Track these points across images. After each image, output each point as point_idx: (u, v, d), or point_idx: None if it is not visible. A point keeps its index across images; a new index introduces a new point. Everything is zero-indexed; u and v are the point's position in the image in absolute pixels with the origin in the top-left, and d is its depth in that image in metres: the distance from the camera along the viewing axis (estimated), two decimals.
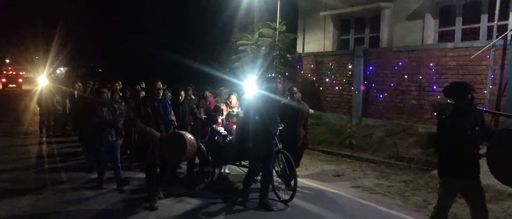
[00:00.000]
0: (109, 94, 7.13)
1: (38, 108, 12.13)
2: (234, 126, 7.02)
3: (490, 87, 8.43)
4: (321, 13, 13.25)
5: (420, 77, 9.82)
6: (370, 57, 11.08)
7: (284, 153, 5.92)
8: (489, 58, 8.44)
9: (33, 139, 11.00)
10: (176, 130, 5.63)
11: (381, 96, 10.75)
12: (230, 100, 7.64)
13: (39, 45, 35.19)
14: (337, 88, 12.04)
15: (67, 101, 11.28)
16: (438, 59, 9.46)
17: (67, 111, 11.25)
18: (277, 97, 5.89)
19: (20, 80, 37.78)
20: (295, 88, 6.79)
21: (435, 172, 7.39)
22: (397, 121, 10.14)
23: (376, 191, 6.52)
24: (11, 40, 42.31)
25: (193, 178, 6.84)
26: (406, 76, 10.13)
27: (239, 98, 7.77)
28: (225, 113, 7.16)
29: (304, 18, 14.26)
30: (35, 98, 13.00)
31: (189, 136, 5.40)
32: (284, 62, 13.30)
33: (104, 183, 6.40)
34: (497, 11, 8.67)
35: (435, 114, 9.19)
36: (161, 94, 5.61)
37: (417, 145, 8.85)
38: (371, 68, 11.02)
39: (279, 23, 13.07)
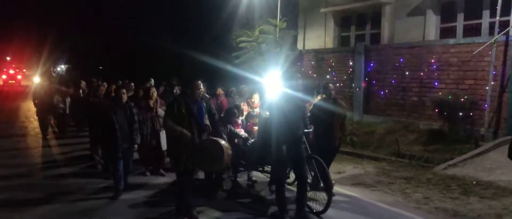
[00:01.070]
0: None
1: (35, 109, 11.26)
2: (256, 128, 6.44)
3: (492, 83, 8.38)
4: (321, 10, 13.19)
5: (421, 73, 9.77)
6: (371, 54, 11.04)
7: (316, 158, 5.26)
8: (490, 54, 8.39)
9: (35, 141, 10.27)
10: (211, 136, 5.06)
11: (382, 93, 10.71)
12: (252, 99, 7.10)
13: (39, 43, 35.21)
14: (338, 85, 11.99)
15: (67, 100, 10.95)
16: (439, 55, 9.41)
17: (67, 110, 10.91)
18: (303, 95, 5.27)
19: (19, 77, 40.00)
20: (330, 85, 6.11)
21: (436, 168, 7.40)
22: (398, 118, 10.10)
23: (377, 188, 6.50)
24: (12, 38, 42.59)
25: (212, 186, 6.14)
26: (407, 73, 10.09)
27: (260, 97, 7.26)
28: (245, 113, 6.67)
29: (305, 14, 14.21)
30: (31, 97, 12.06)
31: (226, 144, 4.91)
32: (285, 59, 13.24)
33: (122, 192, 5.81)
34: (499, 7, 8.61)
35: (437, 111, 9.15)
36: (201, 95, 5.20)
37: (418, 142, 8.82)
38: (372, 64, 10.97)
39: (280, 19, 13.01)
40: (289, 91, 5.04)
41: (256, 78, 10.83)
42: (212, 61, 15.40)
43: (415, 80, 9.92)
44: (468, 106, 8.67)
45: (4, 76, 39.37)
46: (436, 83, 9.45)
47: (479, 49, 8.52)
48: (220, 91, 8.32)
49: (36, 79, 18.50)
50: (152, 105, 6.79)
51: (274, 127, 4.97)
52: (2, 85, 35.63)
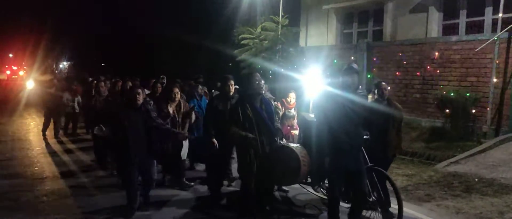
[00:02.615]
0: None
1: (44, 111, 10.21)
2: (293, 132, 5.83)
3: (494, 80, 8.37)
4: (324, 7, 13.16)
5: (424, 70, 9.76)
6: (373, 51, 11.02)
7: (378, 170, 4.46)
8: (493, 51, 8.38)
9: (46, 146, 9.01)
10: (282, 142, 4.44)
11: None
12: (288, 99, 6.52)
13: (41, 40, 35.37)
14: None
15: (78, 99, 10.03)
16: (442, 52, 9.40)
17: (76, 110, 10.04)
18: (360, 96, 4.45)
19: (22, 73, 45.16)
20: (383, 84, 5.25)
21: (438, 166, 7.40)
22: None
23: None
24: (15, 35, 43.34)
25: (256, 201, 4.99)
26: (409, 70, 10.08)
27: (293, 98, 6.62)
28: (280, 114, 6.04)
29: (307, 11, 14.18)
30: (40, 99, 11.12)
31: (302, 152, 4.23)
32: (287, 56, 13.24)
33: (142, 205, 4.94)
34: (501, 4, 8.58)
35: (439, 108, 9.15)
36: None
37: (420, 139, 8.82)
38: (374, 61, 10.96)
39: (282, 17, 13.01)
40: (342, 91, 4.19)
41: (293, 75, 10.08)
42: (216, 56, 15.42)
43: (417, 77, 9.91)
44: (470, 104, 8.66)
45: (8, 72, 45.18)
46: (438, 80, 9.44)
47: (481, 46, 8.50)
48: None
49: (30, 84, 18.53)
50: (171, 111, 5.62)
51: (325, 132, 4.11)
52: (6, 79, 40.21)
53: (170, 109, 5.58)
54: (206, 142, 5.49)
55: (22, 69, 46.16)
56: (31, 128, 11.33)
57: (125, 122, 4.61)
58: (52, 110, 9.85)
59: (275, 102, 6.35)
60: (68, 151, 8.39)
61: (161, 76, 10.52)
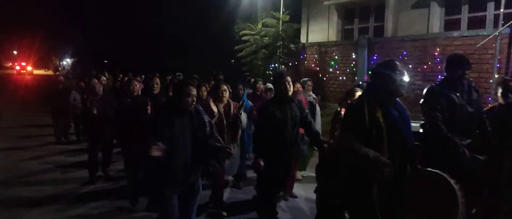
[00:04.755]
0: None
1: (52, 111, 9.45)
2: None
3: (496, 76, 8.27)
4: (325, 2, 13.08)
5: (425, 66, 9.69)
6: (374, 47, 10.95)
7: None
8: (495, 47, 8.29)
9: (54, 154, 8.09)
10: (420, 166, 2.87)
11: None
12: (354, 101, 4.93)
13: (44, 38, 35.66)
14: (341, 78, 11.94)
15: (91, 99, 8.57)
16: (443, 48, 9.32)
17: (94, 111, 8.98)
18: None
19: (30, 68, 51.26)
20: None
21: None
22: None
23: None
24: (19, 33, 44.89)
25: None
26: (411, 66, 10.00)
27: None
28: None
29: (308, 7, 14.10)
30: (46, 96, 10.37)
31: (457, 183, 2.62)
32: (288, 53, 13.21)
33: None
34: None
35: None
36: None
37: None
38: (375, 57, 10.89)
39: (283, 13, 12.97)
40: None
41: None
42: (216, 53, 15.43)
43: (418, 73, 9.84)
44: None
45: (17, 67, 51.32)
46: (440, 76, 9.36)
47: (483, 42, 8.41)
48: (260, 85, 6.59)
49: None
50: (219, 115, 4.56)
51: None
52: (16, 74, 45.77)
53: (217, 112, 4.52)
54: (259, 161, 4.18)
55: (30, 65, 51.98)
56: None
57: (168, 132, 3.24)
58: (59, 111, 9.15)
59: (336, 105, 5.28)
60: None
61: (177, 74, 10.01)
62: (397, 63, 2.93)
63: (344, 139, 2.92)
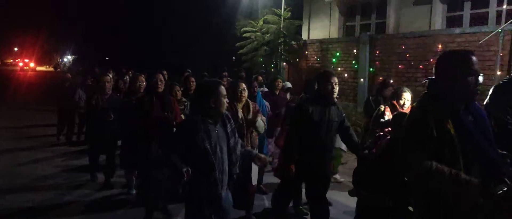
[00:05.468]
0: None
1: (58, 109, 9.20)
2: None
3: (498, 73, 8.23)
4: None
5: (427, 63, 9.65)
6: (376, 44, 10.91)
7: None
8: (497, 43, 8.24)
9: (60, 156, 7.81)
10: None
11: None
12: (401, 101, 4.68)
13: (45, 35, 35.75)
14: (342, 75, 11.90)
15: (98, 97, 7.88)
16: (445, 45, 9.27)
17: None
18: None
19: (32, 64, 54.92)
20: None
21: None
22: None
23: None
24: (21, 30, 45.53)
25: None
26: (412, 63, 9.96)
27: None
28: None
29: (309, 4, 14.05)
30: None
31: None
32: (289, 49, 13.18)
33: None
34: None
35: None
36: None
37: None
38: (377, 54, 10.85)
39: (284, 9, 12.93)
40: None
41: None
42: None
43: (420, 70, 9.80)
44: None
45: (20, 63, 54.85)
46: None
47: (485, 38, 8.36)
48: (279, 83, 6.20)
49: None
50: (241, 117, 4.24)
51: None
52: (19, 70, 47.75)
53: (239, 114, 4.14)
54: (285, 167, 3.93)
55: (32, 61, 55.48)
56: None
57: (206, 144, 2.84)
58: (65, 110, 8.90)
59: (382, 107, 4.93)
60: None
61: (187, 70, 9.77)
62: (472, 57, 2.33)
63: (411, 159, 2.26)
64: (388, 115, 4.62)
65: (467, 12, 9.88)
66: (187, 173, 2.71)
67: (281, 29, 12.90)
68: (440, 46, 9.35)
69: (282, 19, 12.91)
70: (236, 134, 3.12)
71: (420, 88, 9.81)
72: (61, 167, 7.02)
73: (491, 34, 8.29)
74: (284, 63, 13.48)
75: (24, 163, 7.24)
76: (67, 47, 49.20)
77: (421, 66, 9.79)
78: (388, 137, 3.63)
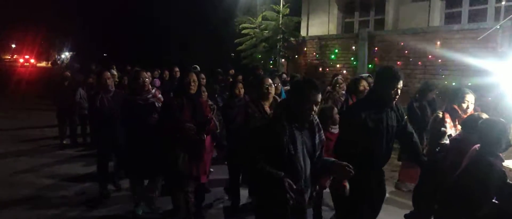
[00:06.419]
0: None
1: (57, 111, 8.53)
2: None
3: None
4: None
5: (426, 60, 9.67)
6: (375, 40, 10.92)
7: None
8: (496, 39, 8.26)
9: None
10: None
11: None
12: (464, 105, 4.18)
13: (43, 31, 35.68)
14: (341, 71, 11.91)
15: (102, 97, 6.81)
16: (444, 41, 9.29)
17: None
18: None
19: (33, 60, 55.82)
20: None
21: None
22: (402, 105, 10.00)
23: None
24: (16, 26, 45.25)
25: None
26: (411, 59, 9.98)
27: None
28: (450, 130, 4.04)
29: (308, 0, 14.03)
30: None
31: None
32: (288, 46, 13.18)
33: None
34: None
35: (440, 97, 9.06)
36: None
37: None
38: (375, 50, 10.87)
39: (283, 6, 12.91)
40: None
41: None
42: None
43: (419, 66, 9.82)
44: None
45: (21, 60, 55.19)
46: (440, 70, 9.35)
47: (484, 35, 8.38)
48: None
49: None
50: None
51: None
52: (20, 66, 47.64)
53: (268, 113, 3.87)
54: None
55: (32, 58, 55.89)
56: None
57: (291, 150, 2.51)
58: (63, 111, 8.33)
59: (440, 111, 4.38)
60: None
61: (194, 66, 9.16)
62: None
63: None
64: (449, 123, 4.05)
65: (465, 9, 9.89)
66: (286, 180, 2.33)
67: (280, 26, 12.89)
68: (439, 42, 9.36)
69: (280, 15, 12.89)
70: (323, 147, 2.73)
71: (418, 85, 9.83)
72: (65, 176, 6.30)
73: (490, 30, 8.31)
74: (283, 60, 13.48)
75: (24, 170, 6.56)
76: (64, 43, 49.04)
77: (420, 63, 9.80)
78: (474, 148, 3.17)
